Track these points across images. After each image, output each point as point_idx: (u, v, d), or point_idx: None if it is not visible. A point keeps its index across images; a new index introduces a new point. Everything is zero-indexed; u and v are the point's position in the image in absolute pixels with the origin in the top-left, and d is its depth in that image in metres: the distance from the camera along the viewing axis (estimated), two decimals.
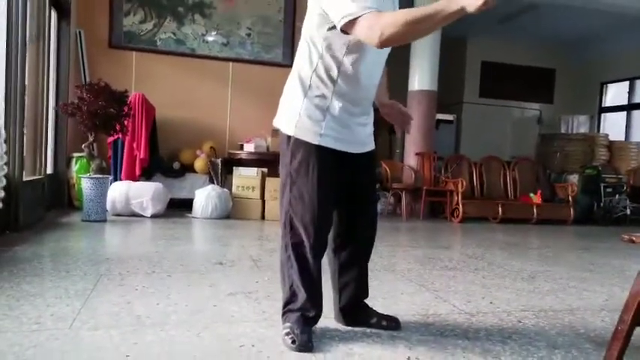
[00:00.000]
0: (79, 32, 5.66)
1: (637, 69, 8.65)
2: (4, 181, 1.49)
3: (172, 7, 6.14)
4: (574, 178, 7.05)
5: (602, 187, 6.77)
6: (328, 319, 1.96)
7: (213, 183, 5.59)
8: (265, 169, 5.42)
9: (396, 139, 7.69)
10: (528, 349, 1.84)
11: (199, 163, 5.79)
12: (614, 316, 2.02)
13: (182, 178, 5.74)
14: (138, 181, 5.20)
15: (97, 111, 4.30)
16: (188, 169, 5.81)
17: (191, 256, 3.31)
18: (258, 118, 6.02)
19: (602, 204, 6.74)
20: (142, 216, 4.86)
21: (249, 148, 5.89)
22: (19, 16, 3.68)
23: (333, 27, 1.62)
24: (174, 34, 6.16)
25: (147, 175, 5.43)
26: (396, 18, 1.47)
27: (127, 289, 2.36)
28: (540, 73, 9.62)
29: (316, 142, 1.73)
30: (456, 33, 7.28)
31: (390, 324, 1.96)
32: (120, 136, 4.99)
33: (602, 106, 9.70)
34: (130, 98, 4.84)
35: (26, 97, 4.00)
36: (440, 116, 7.42)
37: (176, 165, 5.79)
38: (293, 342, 1.70)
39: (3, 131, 1.25)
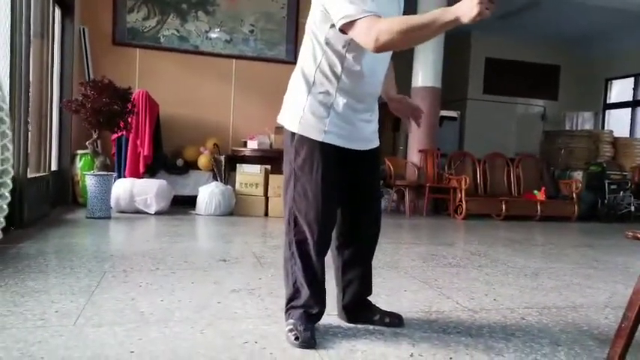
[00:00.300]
0: (83, 29, 5.67)
1: None
2: (11, 185, 1.48)
3: (175, 4, 6.15)
4: (578, 175, 7.02)
5: (606, 184, 6.75)
6: (331, 315, 1.97)
7: (216, 180, 5.60)
8: (269, 166, 5.42)
9: (399, 136, 7.68)
10: (532, 346, 1.83)
11: (203, 160, 5.79)
12: (617, 314, 2.01)
13: (186, 175, 5.75)
14: (142, 178, 5.21)
15: (100, 108, 4.30)
16: (192, 166, 5.82)
17: (195, 253, 3.32)
18: (261, 115, 6.03)
19: (606, 201, 6.72)
20: (145, 213, 4.87)
21: (252, 145, 5.90)
22: (24, 13, 3.68)
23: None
24: (177, 30, 6.17)
25: (151, 172, 5.44)
26: (392, 25, 1.48)
27: (131, 285, 2.37)
28: (545, 69, 9.57)
29: (320, 139, 1.72)
30: (460, 29, 7.23)
31: (393, 321, 1.96)
32: (124, 133, 5.00)
33: (607, 102, 9.66)
34: (133, 95, 4.84)
35: (30, 94, 4.02)
36: (444, 113, 7.40)
37: (180, 162, 5.80)
38: (296, 338, 1.70)
39: (9, 132, 1.24)
